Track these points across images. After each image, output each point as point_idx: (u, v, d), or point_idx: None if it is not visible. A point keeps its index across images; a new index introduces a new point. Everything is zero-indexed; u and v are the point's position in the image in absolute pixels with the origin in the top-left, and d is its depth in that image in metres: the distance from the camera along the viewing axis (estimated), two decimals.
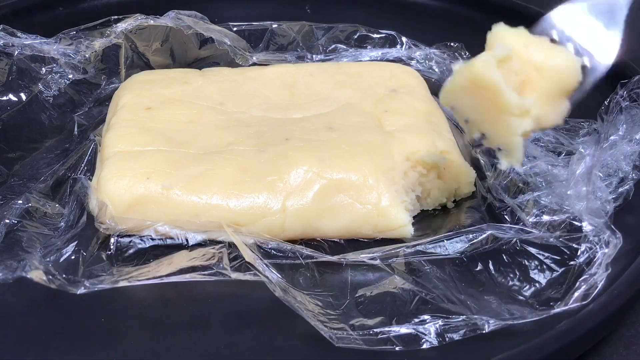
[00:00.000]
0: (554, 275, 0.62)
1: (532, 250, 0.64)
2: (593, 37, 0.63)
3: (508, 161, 0.59)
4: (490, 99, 0.56)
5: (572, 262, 0.62)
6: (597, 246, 0.62)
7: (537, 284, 0.62)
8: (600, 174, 0.67)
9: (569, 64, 0.57)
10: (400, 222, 0.67)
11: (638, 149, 0.69)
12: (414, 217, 0.70)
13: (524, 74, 0.57)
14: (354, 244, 0.67)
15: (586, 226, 0.64)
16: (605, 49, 0.63)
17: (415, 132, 0.72)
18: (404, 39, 0.90)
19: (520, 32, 0.58)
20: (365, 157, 0.69)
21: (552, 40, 0.61)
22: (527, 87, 0.57)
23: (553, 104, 0.58)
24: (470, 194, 0.72)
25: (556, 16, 0.64)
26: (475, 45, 0.87)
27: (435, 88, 0.84)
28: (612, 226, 0.63)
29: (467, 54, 0.85)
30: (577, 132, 0.76)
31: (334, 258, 0.64)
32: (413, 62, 0.88)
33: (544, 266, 0.63)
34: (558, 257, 0.63)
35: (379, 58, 0.90)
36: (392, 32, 0.91)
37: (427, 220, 0.70)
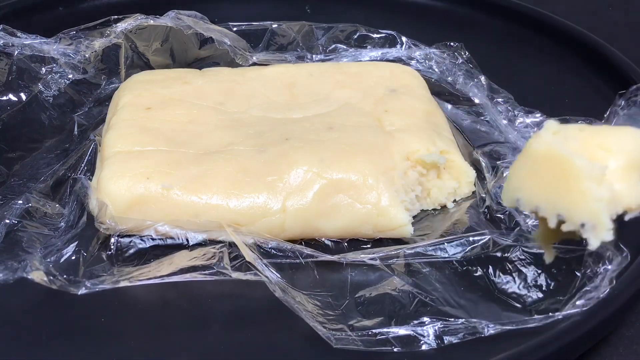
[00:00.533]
0: (555, 285, 0.61)
1: (534, 259, 0.63)
2: None
3: (596, 236, 0.53)
4: (559, 171, 0.52)
5: (574, 274, 0.61)
6: (601, 261, 0.60)
7: (537, 293, 0.61)
8: None
9: (635, 137, 0.53)
10: (400, 221, 0.67)
11: None
12: (414, 217, 0.70)
13: (586, 152, 0.53)
14: (354, 243, 0.68)
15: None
16: None
17: (415, 132, 0.72)
18: (404, 39, 0.90)
19: (571, 127, 0.54)
20: (365, 157, 0.69)
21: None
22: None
23: (629, 181, 0.53)
24: (470, 194, 0.73)
25: None
26: (475, 45, 0.87)
27: (435, 88, 0.84)
28: (619, 243, 0.62)
29: (467, 53, 0.85)
30: None
31: (334, 258, 0.64)
32: (413, 62, 0.88)
33: (545, 276, 0.62)
34: (560, 268, 0.63)
35: (378, 58, 0.89)
36: (392, 32, 0.91)
37: (427, 220, 0.70)
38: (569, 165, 0.51)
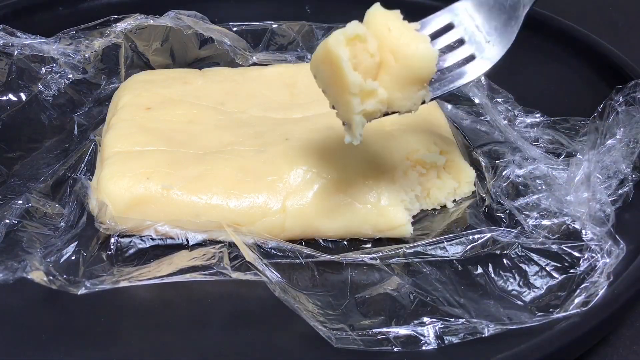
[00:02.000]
0: (554, 281, 0.62)
1: (533, 256, 0.64)
2: (489, 32, 0.64)
3: (349, 136, 0.60)
4: (337, 75, 0.57)
5: (573, 270, 0.62)
6: (599, 255, 0.61)
7: (537, 290, 0.61)
8: (600, 176, 0.67)
9: (423, 54, 0.58)
10: (400, 221, 0.67)
11: (637, 150, 0.69)
12: (414, 217, 0.70)
13: (380, 56, 0.58)
14: (354, 243, 0.68)
15: (588, 234, 0.63)
16: (496, 47, 0.64)
17: (415, 131, 0.72)
18: None
19: (393, 15, 0.59)
20: (365, 156, 0.69)
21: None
22: (382, 69, 0.58)
23: (406, 91, 0.59)
24: (470, 194, 0.73)
25: (461, 6, 0.65)
26: None
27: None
28: (616, 235, 0.63)
29: None
30: (577, 131, 0.76)
31: (334, 258, 0.64)
32: None
33: (545, 272, 0.63)
34: (559, 264, 0.63)
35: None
36: None
37: (427, 220, 0.70)
38: (344, 77, 0.56)
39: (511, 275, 0.63)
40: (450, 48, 0.65)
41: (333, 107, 0.61)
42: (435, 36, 0.64)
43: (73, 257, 0.64)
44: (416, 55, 0.58)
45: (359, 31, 0.57)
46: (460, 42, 0.65)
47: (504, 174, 0.71)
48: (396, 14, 0.59)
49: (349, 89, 0.57)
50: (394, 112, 0.61)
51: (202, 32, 0.87)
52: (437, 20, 0.65)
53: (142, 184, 0.67)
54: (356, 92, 0.57)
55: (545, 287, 0.62)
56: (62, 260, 0.64)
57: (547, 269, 0.63)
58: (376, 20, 0.58)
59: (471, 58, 0.65)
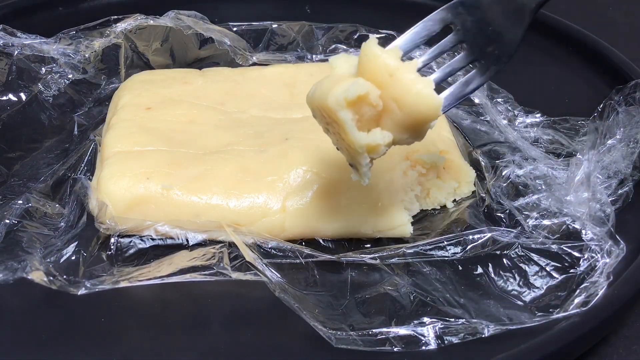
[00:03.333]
0: (554, 281, 0.62)
1: (533, 256, 0.64)
2: (493, 37, 0.62)
3: (357, 176, 0.59)
4: (340, 129, 0.56)
5: (573, 270, 0.62)
6: (599, 255, 0.62)
7: (537, 290, 0.61)
8: (600, 176, 0.67)
9: (428, 103, 0.55)
10: (399, 221, 0.67)
11: (637, 150, 0.69)
12: (414, 217, 0.70)
13: (382, 102, 0.56)
14: (354, 243, 0.68)
15: (588, 234, 0.63)
16: (502, 51, 0.62)
17: None
18: None
19: (392, 55, 0.56)
20: None
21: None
22: (385, 114, 0.56)
23: (411, 132, 0.57)
24: (469, 194, 0.73)
25: (454, 8, 0.63)
26: None
27: (435, 88, 0.84)
28: (616, 235, 0.63)
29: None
30: (577, 131, 0.76)
31: (334, 258, 0.64)
32: None
33: (545, 272, 0.63)
34: (559, 264, 0.63)
35: None
36: (392, 32, 0.91)
37: (426, 219, 0.70)
38: (350, 138, 0.56)
39: (511, 275, 0.63)
40: (451, 56, 0.64)
41: (337, 149, 0.60)
42: (433, 42, 0.63)
43: (73, 257, 0.64)
44: (420, 104, 0.55)
45: (361, 92, 0.55)
46: (461, 46, 0.64)
47: (504, 174, 0.71)
48: (395, 53, 0.56)
49: (355, 148, 0.56)
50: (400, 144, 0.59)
51: (202, 32, 0.87)
52: (435, 27, 0.63)
53: (142, 184, 0.67)
54: (363, 152, 0.56)
55: (545, 287, 0.62)
56: (62, 260, 0.64)
57: (547, 269, 0.63)
58: (376, 65, 0.55)
59: (474, 66, 0.64)
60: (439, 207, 0.72)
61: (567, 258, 0.63)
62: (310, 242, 0.67)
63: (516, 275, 0.63)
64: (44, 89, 0.82)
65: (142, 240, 0.67)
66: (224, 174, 0.68)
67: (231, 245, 0.65)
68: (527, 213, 0.67)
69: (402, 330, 0.58)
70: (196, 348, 0.58)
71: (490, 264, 0.64)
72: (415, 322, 0.58)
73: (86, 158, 0.74)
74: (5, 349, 0.57)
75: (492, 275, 0.63)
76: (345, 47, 0.91)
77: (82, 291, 0.61)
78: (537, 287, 0.62)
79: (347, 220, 0.67)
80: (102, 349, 0.58)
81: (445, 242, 0.65)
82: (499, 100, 0.80)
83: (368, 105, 0.56)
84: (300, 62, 0.90)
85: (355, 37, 0.92)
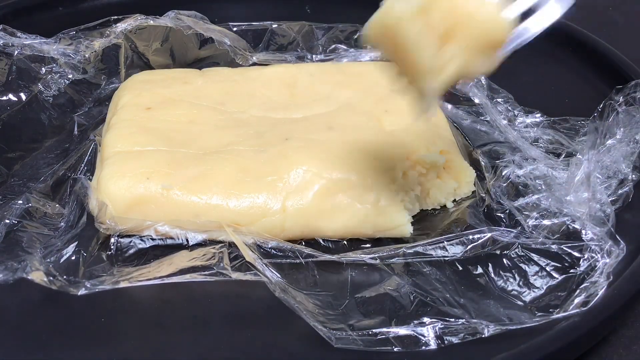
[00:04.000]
0: (554, 281, 0.62)
1: (533, 256, 0.64)
2: None
3: (420, 108, 0.57)
4: (404, 49, 0.54)
5: (573, 270, 0.62)
6: (599, 255, 0.61)
7: (537, 290, 0.61)
8: (600, 176, 0.67)
9: (497, 18, 0.54)
10: (399, 221, 0.67)
11: (637, 150, 0.69)
12: (414, 217, 0.70)
13: (448, 22, 0.54)
14: (354, 243, 0.68)
15: (588, 234, 0.63)
16: (550, 7, 0.60)
17: (415, 132, 0.72)
18: None
19: None
20: (365, 156, 0.69)
21: None
22: (452, 35, 0.54)
23: (479, 56, 0.55)
24: (469, 194, 0.73)
25: None
26: None
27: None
28: (616, 235, 0.62)
29: None
30: (577, 131, 0.76)
31: (334, 258, 0.64)
32: None
33: (545, 272, 0.63)
34: (559, 264, 0.63)
35: (379, 58, 0.89)
36: None
37: (427, 220, 0.70)
38: (417, 58, 0.53)
39: (511, 275, 0.63)
40: None
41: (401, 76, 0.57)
42: None
43: (73, 257, 0.64)
44: (489, 19, 0.53)
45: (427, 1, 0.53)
46: None
47: (504, 174, 0.71)
48: None
49: (425, 70, 0.53)
50: (467, 79, 0.57)
51: (202, 32, 0.87)
52: None
53: (142, 184, 0.67)
54: (433, 72, 0.54)
55: (545, 287, 0.62)
56: (62, 260, 0.64)
57: (547, 269, 0.63)
58: None
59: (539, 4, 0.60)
60: (439, 207, 0.72)
61: (567, 258, 0.63)
62: (310, 242, 0.67)
63: (516, 275, 0.63)
64: (44, 89, 0.82)
65: (142, 240, 0.67)
66: (224, 174, 0.68)
67: (231, 245, 0.65)
68: (527, 213, 0.67)
69: (402, 330, 0.58)
70: (196, 348, 0.58)
71: (490, 264, 0.64)
72: (415, 322, 0.58)
73: (86, 158, 0.74)
74: (5, 349, 0.57)
75: (492, 275, 0.63)
76: (345, 47, 0.91)
77: (82, 291, 0.61)
78: (537, 287, 0.62)
79: (347, 220, 0.67)
80: (102, 349, 0.58)
81: (445, 242, 0.65)
82: (499, 100, 0.80)
83: (435, 20, 0.53)
84: (301, 62, 0.90)
85: (355, 37, 0.92)
